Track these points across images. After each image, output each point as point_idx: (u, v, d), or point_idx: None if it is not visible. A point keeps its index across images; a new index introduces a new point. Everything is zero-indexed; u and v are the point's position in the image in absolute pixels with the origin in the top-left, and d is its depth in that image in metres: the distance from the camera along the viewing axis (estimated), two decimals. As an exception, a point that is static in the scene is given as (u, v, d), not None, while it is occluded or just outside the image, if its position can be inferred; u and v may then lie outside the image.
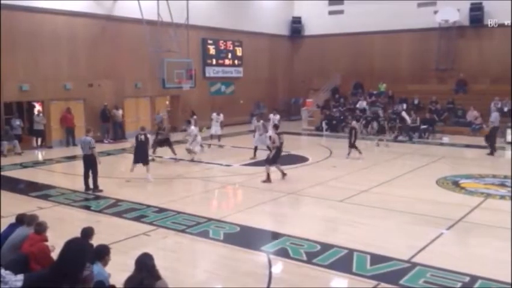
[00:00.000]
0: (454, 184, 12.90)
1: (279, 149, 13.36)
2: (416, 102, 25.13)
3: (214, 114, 19.54)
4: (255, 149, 16.68)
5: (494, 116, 18.75)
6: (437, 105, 24.12)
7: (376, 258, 7.52)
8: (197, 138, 16.38)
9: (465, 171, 14.57)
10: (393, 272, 7.08)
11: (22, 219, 6.69)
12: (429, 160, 16.60)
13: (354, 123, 17.64)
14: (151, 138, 14.94)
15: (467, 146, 19.48)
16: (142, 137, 13.32)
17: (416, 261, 7.44)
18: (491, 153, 17.43)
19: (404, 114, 22.45)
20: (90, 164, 11.95)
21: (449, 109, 24.19)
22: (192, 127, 16.57)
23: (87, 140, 11.93)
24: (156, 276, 4.91)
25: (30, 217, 6.64)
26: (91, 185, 12.01)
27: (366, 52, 28.97)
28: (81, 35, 20.43)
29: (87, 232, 6.15)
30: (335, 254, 7.78)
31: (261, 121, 17.13)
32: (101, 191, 11.84)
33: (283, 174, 13.41)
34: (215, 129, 19.34)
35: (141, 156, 13.29)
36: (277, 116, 19.47)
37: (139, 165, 13.35)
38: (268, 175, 13.06)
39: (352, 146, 16.72)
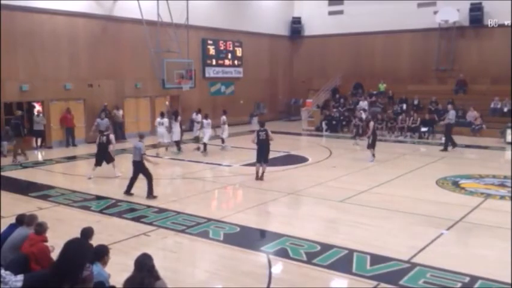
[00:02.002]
0: (454, 184, 12.90)
1: (259, 146, 13.20)
2: (416, 102, 25.13)
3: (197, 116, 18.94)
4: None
5: (452, 114, 19.27)
6: (437, 105, 24.07)
7: (376, 259, 7.52)
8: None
9: (465, 171, 14.57)
10: (393, 272, 7.08)
11: (22, 220, 6.69)
12: (429, 160, 16.59)
13: (371, 124, 16.64)
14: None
15: (468, 146, 19.47)
16: (104, 138, 13.69)
17: (416, 261, 7.44)
18: (453, 147, 18.31)
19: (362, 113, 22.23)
20: (139, 170, 11.55)
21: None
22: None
23: (138, 146, 11.56)
24: (156, 277, 4.92)
25: (29, 217, 6.63)
26: (133, 191, 11.59)
27: (366, 52, 28.98)
28: (81, 35, 20.43)
29: (87, 232, 6.14)
30: (335, 254, 7.78)
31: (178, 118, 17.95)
32: (155, 197, 11.30)
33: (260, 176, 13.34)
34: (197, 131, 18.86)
35: (103, 157, 13.70)
36: (198, 116, 18.78)
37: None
38: (257, 173, 13.25)
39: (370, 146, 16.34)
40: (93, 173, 13.65)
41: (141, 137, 12.03)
